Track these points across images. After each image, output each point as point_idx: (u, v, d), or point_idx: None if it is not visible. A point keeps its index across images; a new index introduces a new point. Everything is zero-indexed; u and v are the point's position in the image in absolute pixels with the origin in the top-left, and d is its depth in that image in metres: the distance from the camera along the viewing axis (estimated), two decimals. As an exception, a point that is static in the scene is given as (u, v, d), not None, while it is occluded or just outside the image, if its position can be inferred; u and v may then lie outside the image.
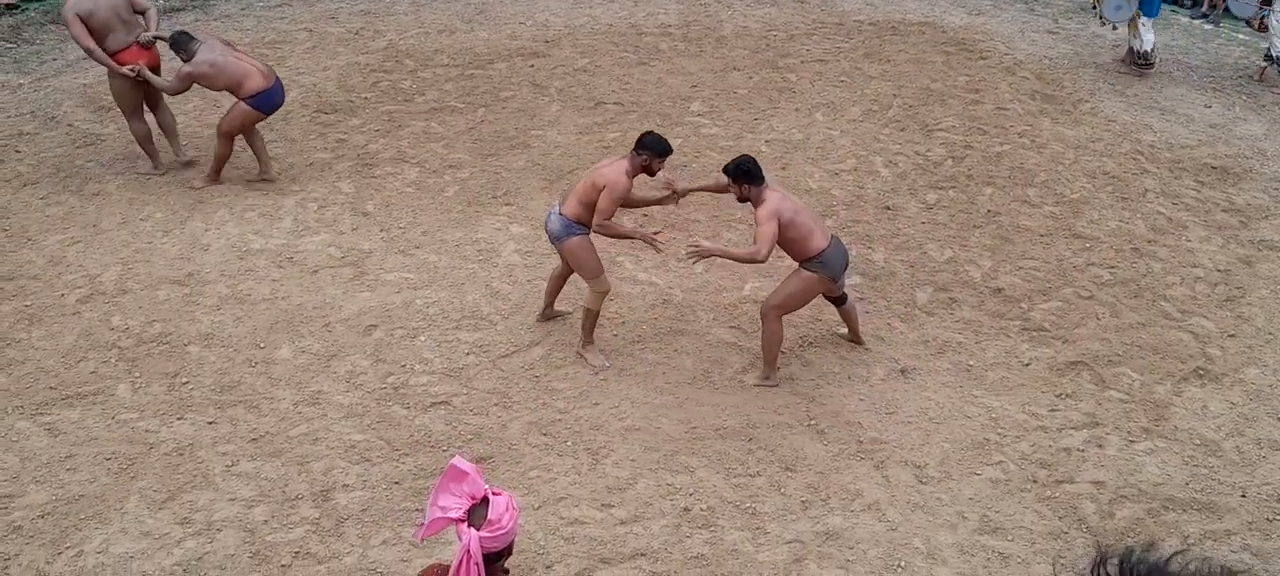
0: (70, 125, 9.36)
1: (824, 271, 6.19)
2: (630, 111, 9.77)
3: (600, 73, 10.56)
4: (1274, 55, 10.57)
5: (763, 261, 6.06)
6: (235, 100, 8.13)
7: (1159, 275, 7.57)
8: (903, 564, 5.27)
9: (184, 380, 6.42)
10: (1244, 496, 5.71)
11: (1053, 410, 6.31)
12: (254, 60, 8.22)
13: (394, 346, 6.77)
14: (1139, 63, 10.87)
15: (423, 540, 3.56)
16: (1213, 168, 8.96)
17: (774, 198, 6.09)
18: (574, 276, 6.66)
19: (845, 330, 6.88)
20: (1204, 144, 9.37)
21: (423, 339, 6.84)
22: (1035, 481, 5.79)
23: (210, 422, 6.09)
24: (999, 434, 6.11)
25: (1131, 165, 8.98)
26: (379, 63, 10.71)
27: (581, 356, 6.61)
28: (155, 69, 8.28)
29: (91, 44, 8.00)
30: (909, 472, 5.83)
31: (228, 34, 11.23)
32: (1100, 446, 6.04)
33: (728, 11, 12.23)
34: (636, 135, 9.05)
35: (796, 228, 6.09)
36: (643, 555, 5.29)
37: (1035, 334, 6.97)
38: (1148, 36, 10.71)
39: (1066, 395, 6.43)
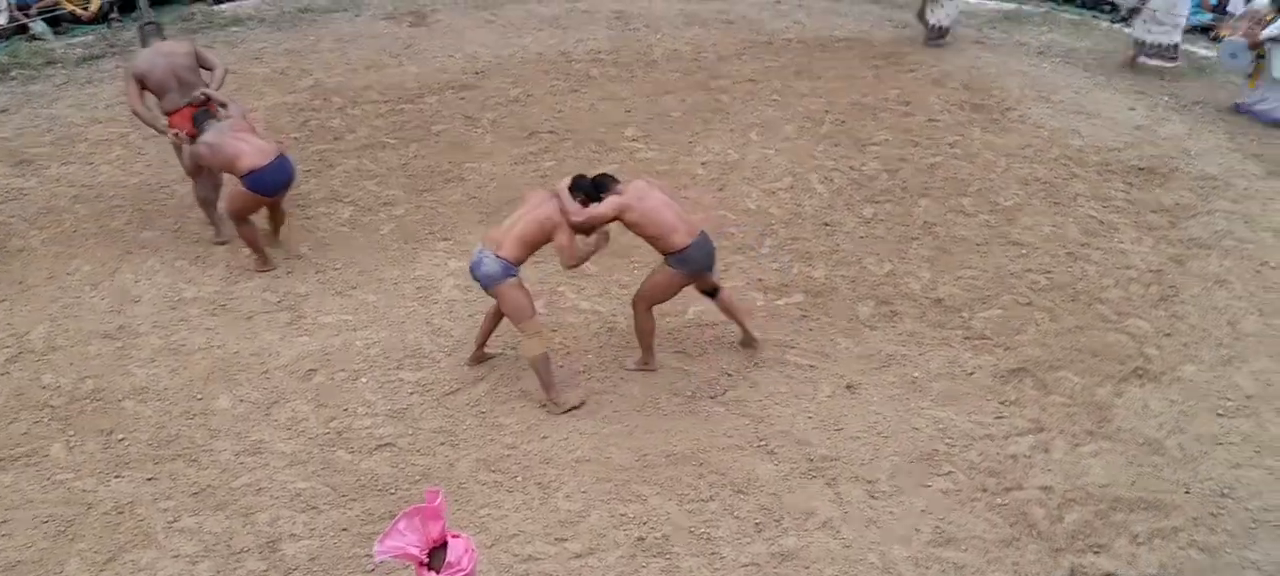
0: (-10, 180, 9.12)
1: (684, 268, 6.36)
2: (565, 139, 9.74)
3: (532, 102, 10.52)
4: (1142, 41, 11.18)
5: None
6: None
7: (1094, 278, 7.68)
8: (859, 581, 5.27)
9: (120, 436, 6.25)
10: (1188, 492, 5.80)
11: (998, 418, 6.36)
12: (258, 137, 7.65)
13: (335, 390, 6.65)
14: (932, 36, 11.75)
15: (378, 560, 3.46)
16: (1140, 169, 9.13)
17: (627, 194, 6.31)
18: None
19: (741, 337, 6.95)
20: (1130, 146, 9.55)
21: (364, 381, 6.74)
22: (985, 490, 5.83)
23: (149, 479, 5.94)
24: (947, 444, 6.14)
25: (1062, 170, 9.12)
26: (306, 102, 10.57)
27: (557, 407, 6.41)
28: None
29: (139, 107, 7.89)
30: (860, 488, 5.84)
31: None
32: (1046, 451, 6.10)
33: (657, 35, 12.26)
34: (572, 163, 9.14)
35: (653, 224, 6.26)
36: (599, 589, 5.24)
37: (977, 343, 7.03)
38: (949, 9, 11.66)
39: (1011, 402, 6.49)
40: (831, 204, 8.67)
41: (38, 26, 12.21)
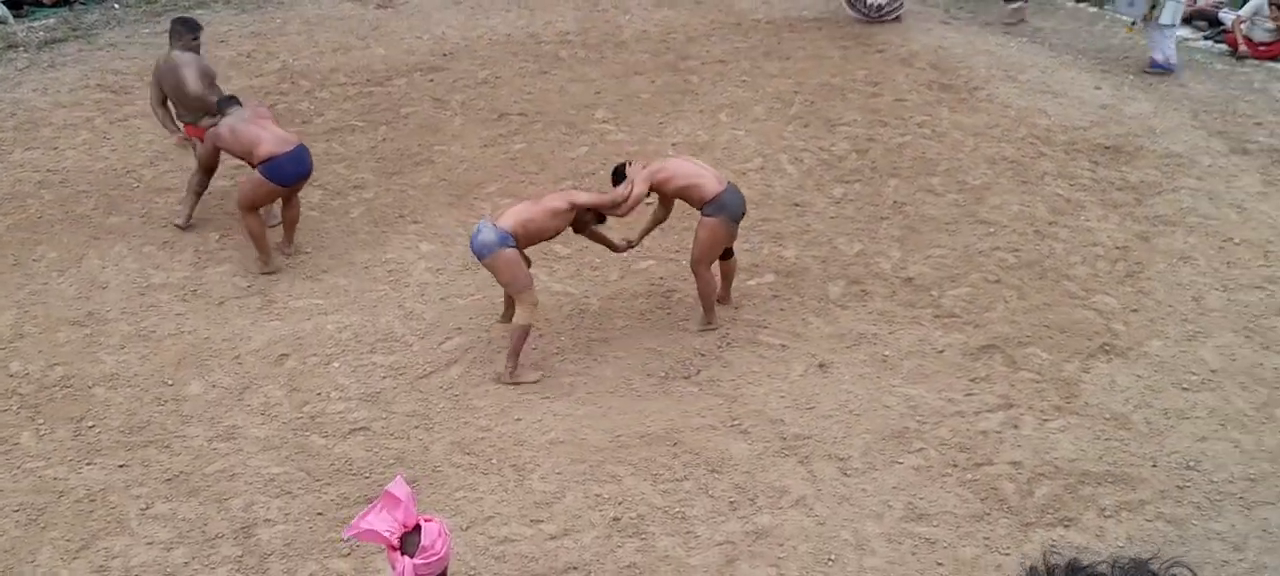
0: (-48, 166, 9.00)
1: (723, 214, 6.58)
2: (535, 122, 9.72)
3: (502, 84, 10.49)
4: None
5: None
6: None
7: (1061, 255, 7.76)
8: (833, 557, 5.32)
9: (90, 423, 6.21)
10: (1155, 466, 5.88)
11: (968, 394, 6.43)
12: (276, 127, 7.58)
13: (308, 375, 6.64)
14: (870, 14, 11.93)
15: (346, 538, 3.46)
16: (1106, 148, 9.22)
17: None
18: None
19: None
20: (1096, 125, 9.64)
21: (337, 365, 6.72)
22: (955, 465, 5.89)
23: (121, 466, 5.90)
24: (918, 421, 6.20)
25: (1029, 149, 9.20)
26: (274, 85, 10.49)
27: (511, 378, 6.49)
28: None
29: (156, 109, 8.21)
30: (833, 466, 5.89)
31: (113, 62, 10.94)
32: (1016, 427, 6.17)
33: (626, 16, 12.24)
34: (542, 144, 9.15)
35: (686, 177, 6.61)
36: (575, 569, 5.26)
37: (947, 321, 7.10)
38: None
39: (980, 379, 6.56)
40: (801, 184, 8.71)
41: (-2, 10, 12.05)
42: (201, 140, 7.86)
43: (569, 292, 7.42)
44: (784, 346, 6.87)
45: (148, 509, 5.63)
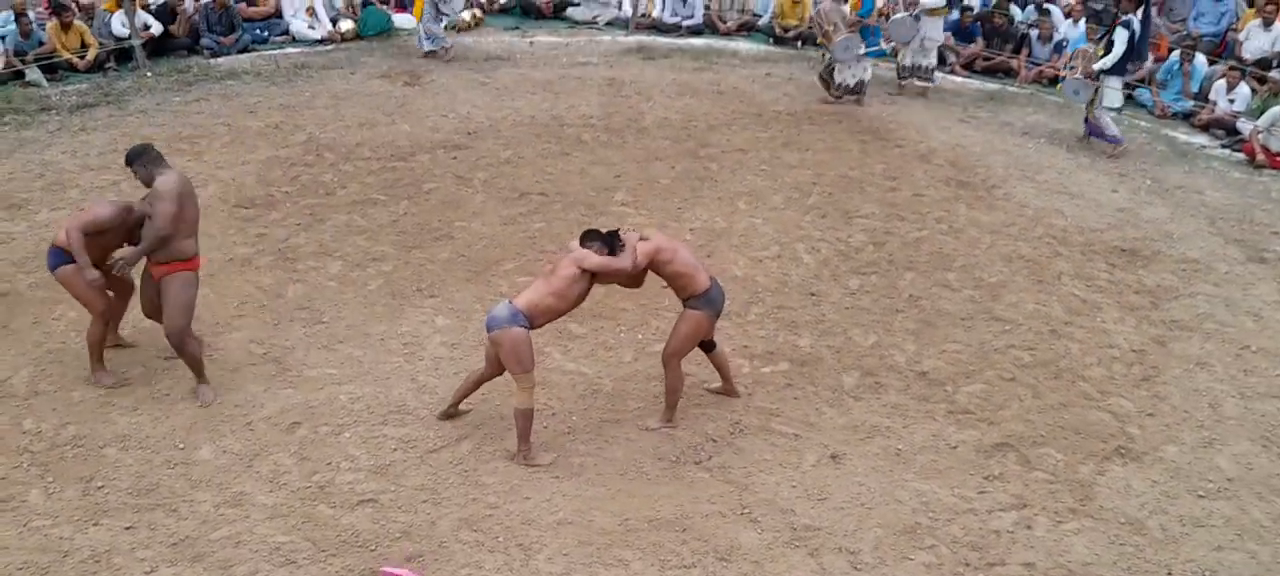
0: (-22, 223, 9.11)
1: (709, 309, 6.52)
2: (554, 202, 9.80)
3: (524, 164, 10.60)
4: (907, 66, 12.96)
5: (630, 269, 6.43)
6: None
7: (1077, 356, 7.74)
8: (841, 652, 5.24)
9: (99, 484, 6.19)
10: (1169, 574, 5.80)
11: (981, 492, 6.37)
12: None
13: (319, 444, 6.62)
14: (836, 94, 12.53)
15: None
16: (1123, 250, 9.24)
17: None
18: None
19: (718, 384, 7.17)
20: (1113, 227, 9.67)
21: (348, 435, 6.71)
22: (967, 565, 5.82)
23: (127, 528, 5.88)
24: (930, 518, 6.15)
25: (1045, 249, 9.23)
26: (300, 156, 10.62)
27: (525, 461, 6.45)
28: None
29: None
30: (843, 560, 5.83)
31: (142, 128, 11.10)
32: (1029, 527, 6.11)
33: (648, 103, 12.40)
34: (561, 224, 9.22)
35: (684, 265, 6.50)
36: (579, 652, 5.19)
37: (961, 416, 7.06)
38: (856, 70, 12.45)
39: (994, 477, 6.50)
40: (818, 274, 8.73)
41: (33, 73, 12.27)
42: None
43: (583, 372, 7.42)
44: (797, 435, 6.83)
45: (151, 572, 5.59)
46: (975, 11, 14.53)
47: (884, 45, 13.38)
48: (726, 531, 5.98)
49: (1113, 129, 11.55)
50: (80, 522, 5.90)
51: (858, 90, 12.58)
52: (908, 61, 13.11)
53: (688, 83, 13.22)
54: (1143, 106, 12.83)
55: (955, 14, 14.42)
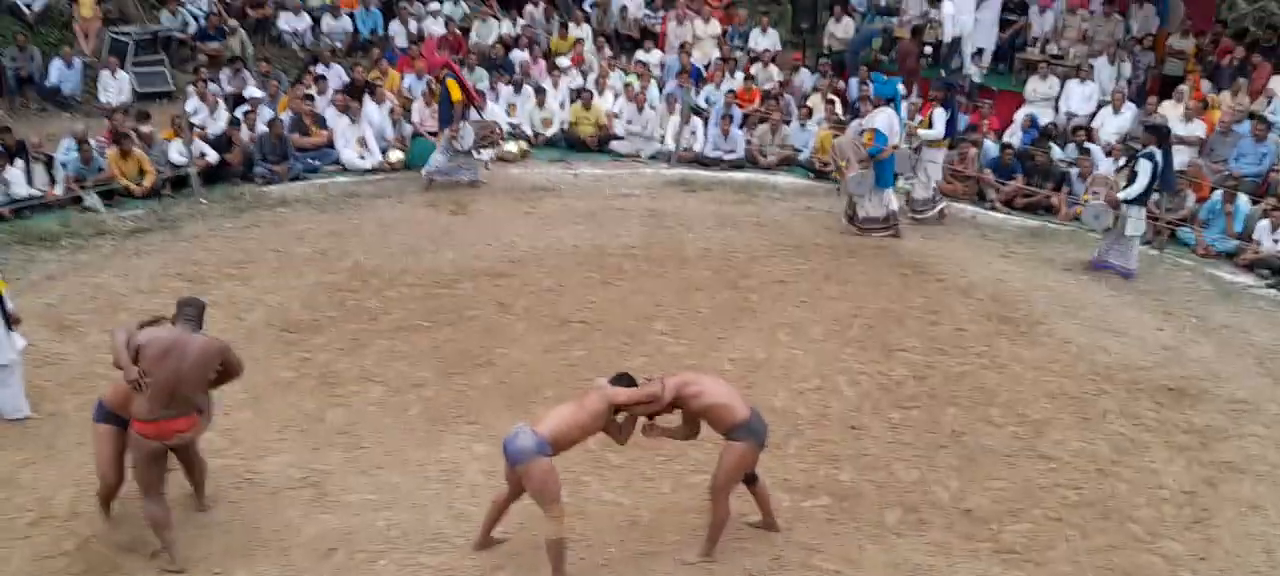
0: (31, 344, 9.24)
1: (752, 439, 6.44)
2: (595, 330, 9.86)
3: (565, 292, 10.69)
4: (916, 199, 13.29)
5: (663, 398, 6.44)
6: None
7: (1125, 497, 7.59)
8: None
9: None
10: None
11: (1028, 635, 6.21)
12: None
13: (354, 571, 6.59)
14: (861, 227, 12.72)
15: None
16: (1169, 389, 9.12)
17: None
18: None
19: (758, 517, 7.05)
20: (1159, 365, 9.56)
21: (384, 563, 6.67)
22: None
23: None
24: (975, 661, 5.98)
25: (1090, 386, 9.13)
26: (345, 282, 10.78)
27: None
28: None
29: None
30: (886, 702, 5.67)
31: (194, 253, 11.34)
32: (1078, 673, 5.93)
33: (690, 233, 12.52)
34: (601, 353, 9.23)
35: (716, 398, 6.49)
36: None
37: (1006, 556, 6.91)
38: (880, 207, 12.68)
39: (1041, 619, 6.34)
40: (859, 407, 8.68)
41: (91, 199, 12.60)
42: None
43: (620, 503, 7.36)
44: (838, 572, 6.71)
45: (182, 699, 5.54)
46: (1015, 149, 14.64)
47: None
48: (765, 670, 5.85)
49: (1131, 259, 11.76)
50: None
51: (890, 222, 12.70)
52: (917, 194, 13.39)
53: (729, 215, 13.36)
54: (1186, 245, 12.78)
55: (995, 151, 14.55)
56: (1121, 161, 12.49)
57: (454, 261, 11.43)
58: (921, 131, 13.25)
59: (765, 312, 10.40)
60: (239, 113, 14.63)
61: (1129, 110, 14.96)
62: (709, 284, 11.06)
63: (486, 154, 14.25)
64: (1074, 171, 13.98)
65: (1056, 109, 15.92)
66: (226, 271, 10.91)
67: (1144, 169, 11.38)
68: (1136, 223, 11.65)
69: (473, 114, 13.90)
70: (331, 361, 9.15)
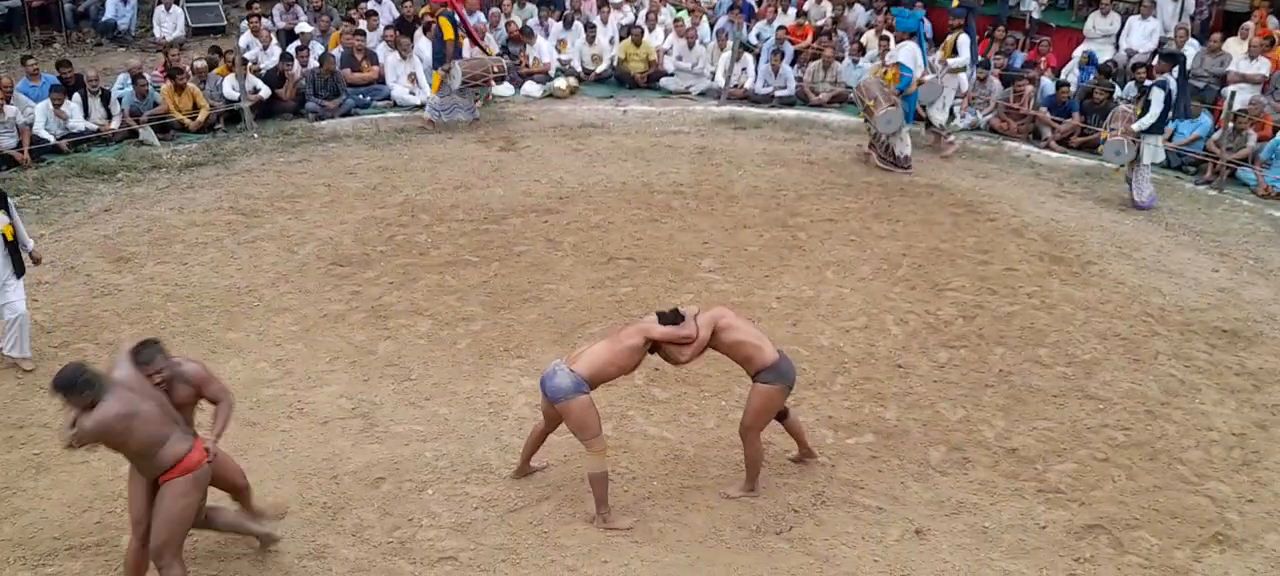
0: (89, 275, 9.46)
1: (780, 381, 6.43)
2: (642, 267, 9.87)
3: (613, 229, 10.71)
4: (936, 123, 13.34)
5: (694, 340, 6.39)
6: None
7: (1174, 438, 7.51)
8: None
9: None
10: (1270, 667, 5.56)
11: (1071, 575, 6.19)
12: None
13: (402, 500, 6.71)
14: (902, 165, 12.63)
15: None
16: (1223, 331, 8.97)
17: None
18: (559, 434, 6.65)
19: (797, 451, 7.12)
20: (1213, 307, 9.40)
21: (430, 492, 6.78)
22: (1055, 648, 5.65)
23: (212, 575, 6.00)
24: (1016, 598, 5.99)
25: (1142, 327, 9.00)
26: (395, 217, 10.87)
27: (604, 525, 6.44)
28: None
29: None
30: (925, 637, 5.70)
31: (247, 187, 11.48)
32: (1120, 613, 5.91)
33: (738, 171, 12.46)
34: (648, 290, 9.26)
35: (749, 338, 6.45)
36: None
37: (1051, 496, 6.88)
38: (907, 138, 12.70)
39: (1085, 559, 6.31)
40: (906, 346, 8.63)
41: (146, 133, 12.78)
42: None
43: (665, 438, 7.41)
44: (881, 509, 6.72)
45: (236, 619, 5.70)
46: (1073, 87, 14.36)
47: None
48: (805, 603, 5.90)
49: (1148, 189, 11.87)
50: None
51: (908, 161, 12.76)
52: (935, 118, 13.49)
53: (778, 153, 13.26)
54: (1245, 185, 12.50)
55: (1052, 88, 14.29)
56: (1134, 94, 12.80)
57: (503, 198, 11.48)
58: (950, 60, 13.12)
59: (813, 251, 10.35)
60: (291, 48, 14.71)
61: (1191, 47, 14.57)
62: (757, 222, 11.01)
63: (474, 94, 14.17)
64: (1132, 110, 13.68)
65: (1116, 46, 15.55)
66: (279, 205, 11.05)
67: (1157, 98, 11.58)
68: (1154, 150, 11.81)
69: (466, 53, 13.90)
70: (381, 295, 9.25)
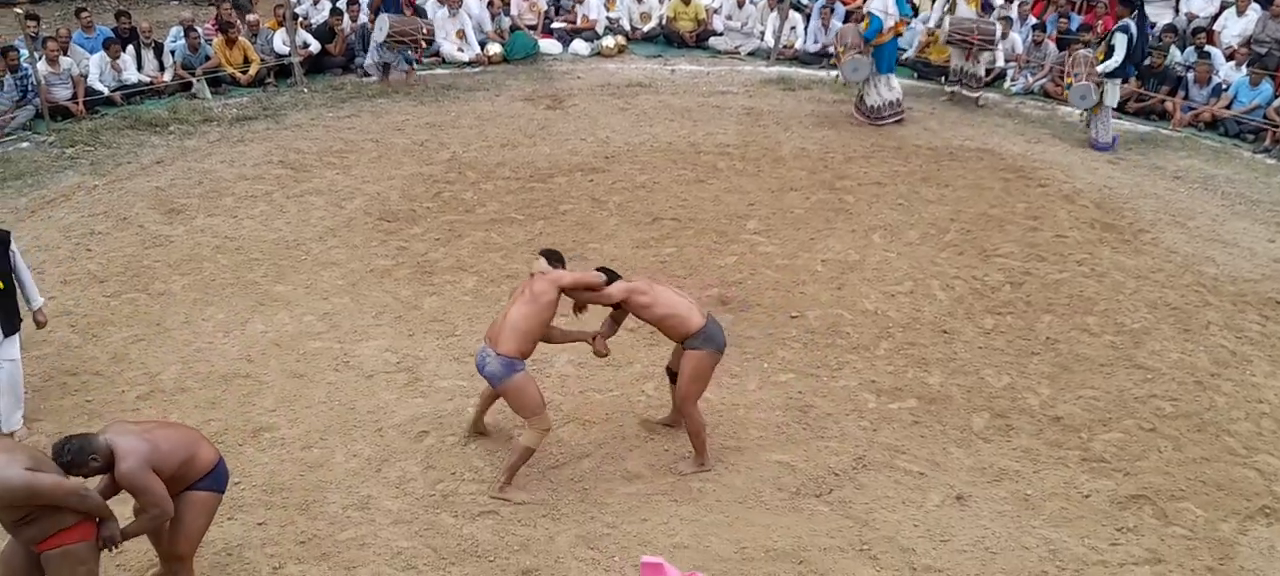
0: (141, 226, 9.60)
1: (709, 346, 6.35)
2: (687, 227, 9.85)
3: (658, 189, 10.68)
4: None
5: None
6: None
7: (1223, 410, 7.40)
8: (956, 698, 5.11)
9: (235, 480, 6.40)
10: (1315, 643, 5.50)
11: (1113, 544, 6.14)
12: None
13: (445, 453, 6.78)
14: (871, 117, 12.74)
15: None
16: (1277, 303, 8.80)
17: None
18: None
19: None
20: (1268, 278, 9.23)
21: (473, 447, 6.85)
22: (1095, 618, 5.62)
23: (259, 524, 6.11)
24: (1057, 567, 5.94)
25: (1193, 297, 8.86)
26: (442, 174, 10.92)
27: (499, 493, 6.38)
28: None
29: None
30: (963, 603, 5.68)
31: (297, 142, 11.58)
32: (1163, 584, 5.86)
33: (786, 133, 12.37)
34: (692, 250, 9.23)
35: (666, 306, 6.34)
36: (688, 677, 5.17)
37: (1095, 465, 6.82)
38: (886, 93, 12.72)
39: (1128, 529, 6.26)
40: (952, 311, 8.56)
41: (199, 86, 12.92)
42: None
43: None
44: (922, 474, 6.70)
45: (279, 568, 5.79)
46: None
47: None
48: (844, 567, 5.90)
49: (1106, 132, 12.26)
50: (216, 517, 6.13)
51: (897, 108, 12.85)
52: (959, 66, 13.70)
53: (827, 114, 13.15)
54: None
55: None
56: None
57: (549, 156, 11.48)
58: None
59: (860, 214, 10.27)
60: (341, 4, 14.76)
61: (1254, 12, 14.23)
62: (804, 184, 10.94)
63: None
64: (1190, 76, 13.42)
65: (1176, 9, 15.23)
66: (327, 160, 11.14)
67: (1120, 42, 11.90)
68: (1114, 93, 12.15)
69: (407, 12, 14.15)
70: (427, 251, 9.31)
